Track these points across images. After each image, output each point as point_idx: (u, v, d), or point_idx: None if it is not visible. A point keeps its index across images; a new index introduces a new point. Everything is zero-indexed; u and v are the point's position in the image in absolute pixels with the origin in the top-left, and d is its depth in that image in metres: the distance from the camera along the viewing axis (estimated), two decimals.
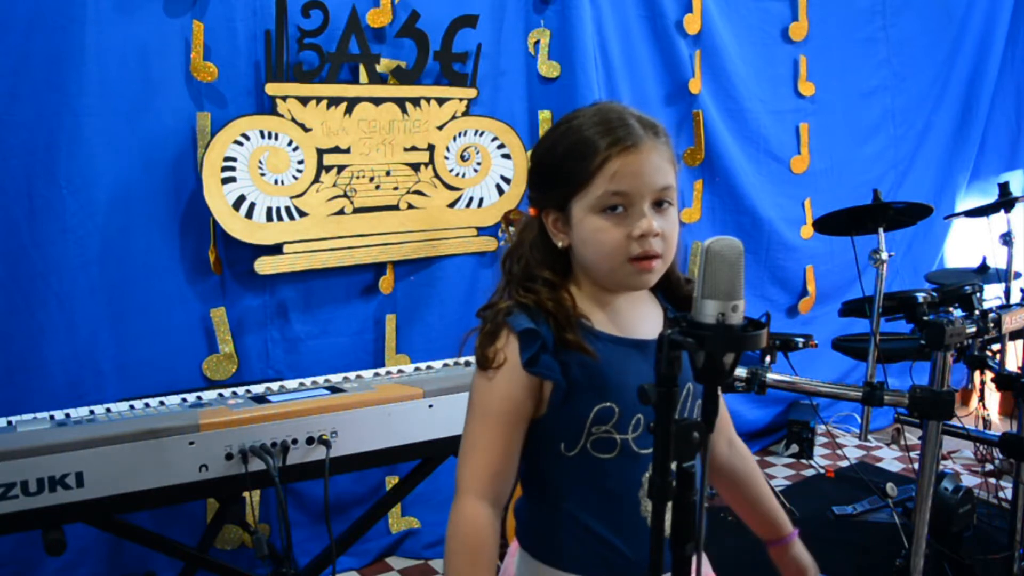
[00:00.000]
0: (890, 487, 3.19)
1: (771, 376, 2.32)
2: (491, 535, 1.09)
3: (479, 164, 2.93)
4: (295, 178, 2.59)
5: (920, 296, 2.41)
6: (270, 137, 2.54)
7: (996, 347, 2.95)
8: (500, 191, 2.98)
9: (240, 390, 2.06)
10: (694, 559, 0.91)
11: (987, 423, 3.61)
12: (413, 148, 2.80)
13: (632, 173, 1.07)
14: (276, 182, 2.56)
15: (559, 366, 1.09)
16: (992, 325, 2.31)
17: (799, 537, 1.33)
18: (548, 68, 3.09)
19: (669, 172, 1.11)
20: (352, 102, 2.66)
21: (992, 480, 3.20)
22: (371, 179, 2.73)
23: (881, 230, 2.71)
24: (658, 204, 1.10)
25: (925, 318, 2.24)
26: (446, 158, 2.86)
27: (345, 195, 2.69)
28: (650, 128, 1.11)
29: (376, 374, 2.24)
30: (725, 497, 1.37)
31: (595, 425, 1.11)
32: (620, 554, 1.13)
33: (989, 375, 2.70)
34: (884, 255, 2.66)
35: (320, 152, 2.63)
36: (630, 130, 1.08)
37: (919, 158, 4.26)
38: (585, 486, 1.13)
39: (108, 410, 1.89)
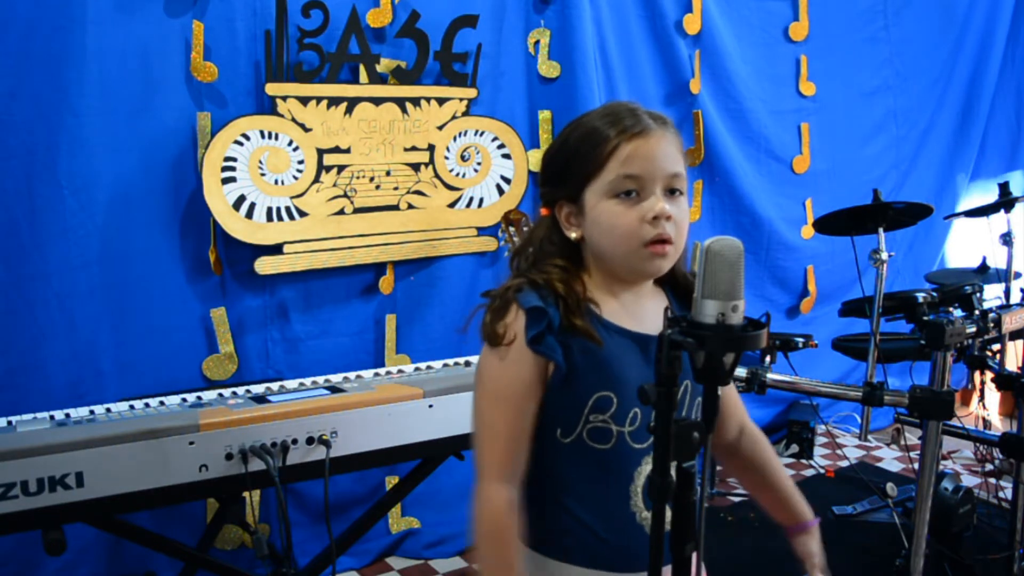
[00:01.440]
0: (890, 487, 3.19)
1: (771, 376, 2.32)
2: (513, 516, 1.12)
3: (479, 164, 2.93)
4: (295, 178, 2.59)
5: (920, 296, 2.41)
6: (270, 137, 2.54)
7: (996, 347, 2.95)
8: (500, 191, 2.98)
9: (240, 390, 2.06)
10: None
11: (987, 423, 3.61)
12: (413, 148, 2.80)
13: (644, 157, 1.10)
14: (276, 182, 2.56)
15: (562, 348, 1.10)
16: (992, 325, 2.31)
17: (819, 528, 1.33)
18: (548, 68, 3.09)
19: (679, 160, 1.14)
20: (352, 102, 2.66)
21: (992, 480, 3.20)
22: (371, 179, 2.73)
23: (881, 230, 2.71)
24: (669, 192, 1.12)
25: (925, 318, 2.24)
26: (446, 158, 2.86)
27: (345, 195, 2.69)
28: (659, 119, 1.14)
29: (376, 374, 2.24)
30: (742, 483, 1.39)
31: (593, 413, 1.12)
32: (606, 545, 1.14)
33: (989, 375, 2.70)
34: (884, 255, 2.66)
35: (320, 152, 2.63)
36: (639, 119, 1.12)
37: (921, 158, 4.26)
38: (578, 475, 1.14)
39: (108, 410, 1.89)
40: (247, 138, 2.49)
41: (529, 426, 1.13)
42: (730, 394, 1.32)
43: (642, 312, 1.18)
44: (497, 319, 1.12)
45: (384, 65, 2.73)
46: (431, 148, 2.83)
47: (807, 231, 3.87)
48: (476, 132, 2.91)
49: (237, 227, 2.50)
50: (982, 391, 3.30)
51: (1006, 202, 3.10)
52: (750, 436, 1.33)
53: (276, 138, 2.55)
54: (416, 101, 2.77)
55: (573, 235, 1.16)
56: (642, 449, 1.14)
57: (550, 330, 1.09)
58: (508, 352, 1.11)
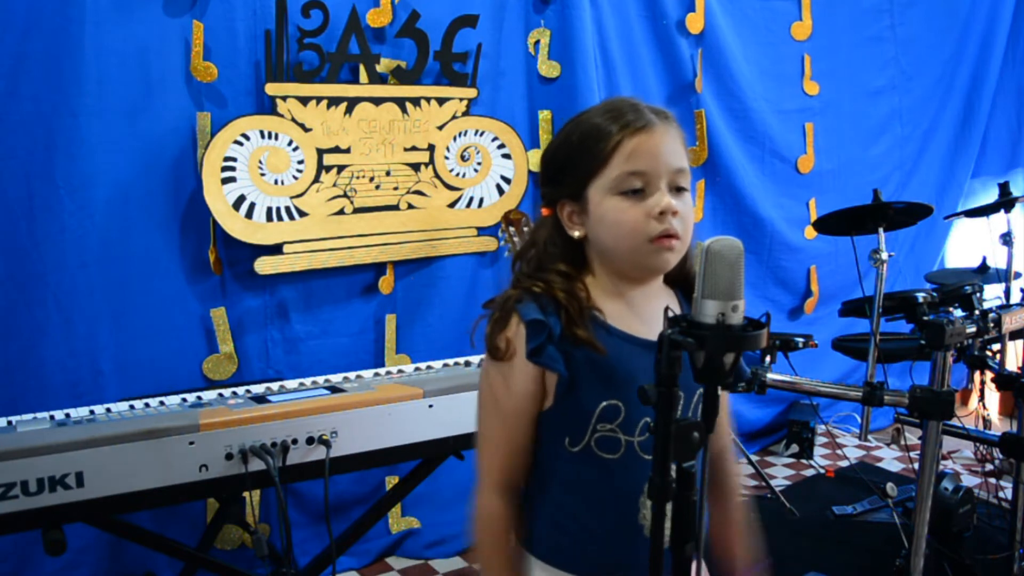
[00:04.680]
0: (890, 487, 3.18)
1: (771, 376, 2.31)
2: (507, 523, 1.17)
3: (479, 164, 2.93)
4: (295, 178, 2.59)
5: (920, 296, 2.41)
6: (270, 137, 2.54)
7: (996, 347, 2.95)
8: (500, 191, 2.98)
9: (240, 390, 2.06)
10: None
11: (987, 423, 3.61)
12: (413, 148, 2.79)
13: (648, 152, 1.08)
14: (276, 182, 2.56)
15: (564, 357, 1.08)
16: (992, 325, 2.31)
17: None
18: (548, 68, 3.09)
19: (683, 156, 1.12)
20: (352, 102, 2.66)
21: (992, 480, 3.20)
22: (371, 179, 2.73)
23: (881, 230, 2.71)
24: (675, 189, 1.10)
25: (925, 318, 2.24)
26: (446, 158, 2.86)
27: (345, 195, 2.69)
28: (661, 114, 1.12)
29: (376, 374, 2.23)
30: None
31: (600, 422, 1.10)
32: (611, 555, 1.13)
33: (989, 375, 2.70)
34: (884, 255, 2.66)
35: (320, 152, 2.63)
36: (641, 114, 1.10)
37: (924, 158, 4.25)
38: (587, 484, 1.13)
39: (108, 410, 1.89)
40: (247, 138, 2.49)
41: (529, 437, 1.15)
42: (721, 415, 1.28)
43: (651, 314, 1.14)
44: (498, 331, 1.12)
45: (384, 65, 2.73)
46: (431, 148, 2.83)
47: (810, 231, 3.86)
48: (476, 132, 2.91)
49: (237, 227, 2.50)
50: (982, 391, 3.30)
51: (1006, 202, 3.10)
52: (727, 465, 1.27)
53: (276, 138, 2.54)
54: (416, 101, 2.77)
55: (576, 234, 1.13)
56: (651, 461, 1.12)
57: (551, 340, 1.08)
58: (509, 368, 1.11)
